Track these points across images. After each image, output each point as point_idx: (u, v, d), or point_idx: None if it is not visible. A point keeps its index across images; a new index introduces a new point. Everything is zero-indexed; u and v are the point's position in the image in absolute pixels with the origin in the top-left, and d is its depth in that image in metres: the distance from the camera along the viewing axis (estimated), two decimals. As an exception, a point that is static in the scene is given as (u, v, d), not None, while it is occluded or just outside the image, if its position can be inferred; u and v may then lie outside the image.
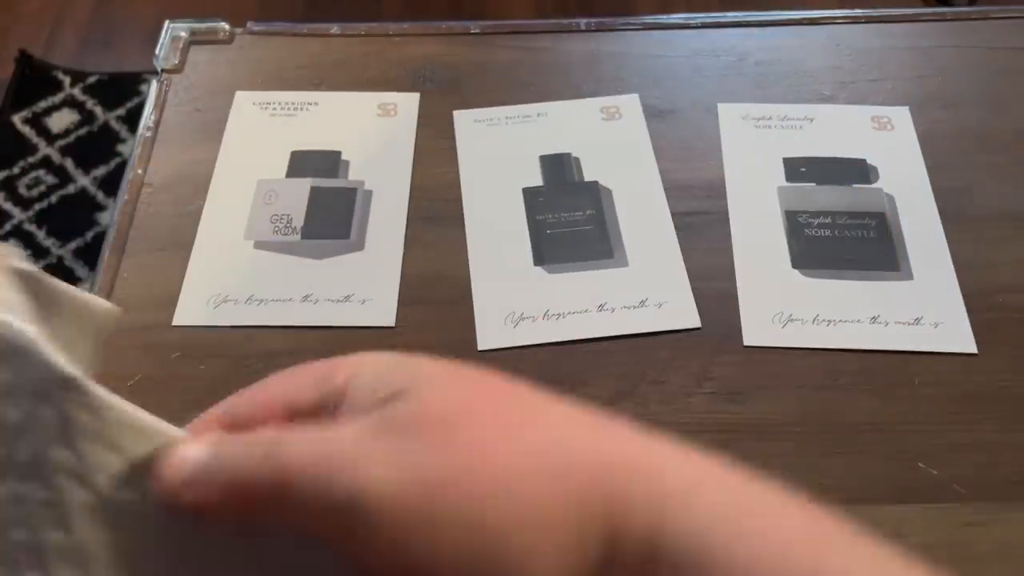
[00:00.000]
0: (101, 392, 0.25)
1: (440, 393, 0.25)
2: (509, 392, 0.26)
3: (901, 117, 0.65)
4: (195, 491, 0.24)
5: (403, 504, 0.23)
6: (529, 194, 0.61)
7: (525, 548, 0.23)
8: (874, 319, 0.55)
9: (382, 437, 0.24)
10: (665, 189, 0.61)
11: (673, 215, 0.60)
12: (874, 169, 0.62)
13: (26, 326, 0.25)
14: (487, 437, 0.24)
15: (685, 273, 0.57)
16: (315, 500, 0.23)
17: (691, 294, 0.56)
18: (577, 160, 0.63)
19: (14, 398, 0.25)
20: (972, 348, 0.53)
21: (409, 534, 0.22)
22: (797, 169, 0.62)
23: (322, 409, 0.26)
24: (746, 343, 0.54)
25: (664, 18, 0.72)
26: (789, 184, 0.61)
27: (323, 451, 0.24)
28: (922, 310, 0.55)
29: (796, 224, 0.59)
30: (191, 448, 0.25)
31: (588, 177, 0.62)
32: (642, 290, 0.56)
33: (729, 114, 0.65)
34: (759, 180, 0.62)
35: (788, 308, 0.55)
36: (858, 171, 0.62)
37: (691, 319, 0.55)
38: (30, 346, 0.24)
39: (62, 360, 0.25)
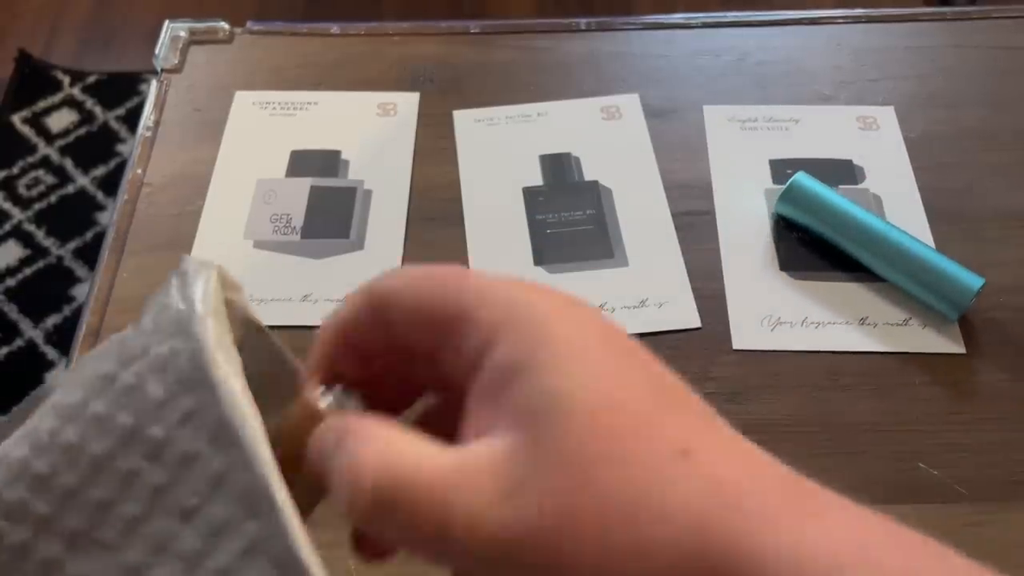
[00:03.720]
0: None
1: (582, 420, 0.22)
2: (672, 406, 0.23)
3: (886, 116, 0.65)
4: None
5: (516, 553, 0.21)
6: (529, 194, 0.61)
7: None
8: (863, 320, 0.55)
9: (521, 495, 0.21)
10: (665, 189, 0.61)
11: (673, 215, 0.60)
12: (860, 169, 0.62)
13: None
14: (626, 486, 0.21)
15: (685, 273, 0.57)
16: (413, 530, 0.22)
17: (691, 294, 0.56)
18: (577, 160, 0.63)
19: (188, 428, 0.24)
20: (960, 349, 0.53)
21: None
22: (783, 171, 0.62)
23: (438, 360, 0.25)
24: (735, 347, 0.54)
25: (664, 18, 0.72)
26: (776, 186, 0.61)
27: (441, 484, 0.22)
28: (910, 311, 0.55)
29: (784, 226, 0.59)
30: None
31: (588, 177, 0.62)
32: (642, 290, 0.56)
33: (714, 116, 0.65)
34: (746, 183, 0.61)
35: (776, 311, 0.55)
36: (845, 172, 0.62)
37: (691, 319, 0.55)
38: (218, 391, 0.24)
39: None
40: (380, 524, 0.23)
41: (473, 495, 0.22)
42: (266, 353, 0.28)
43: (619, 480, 0.21)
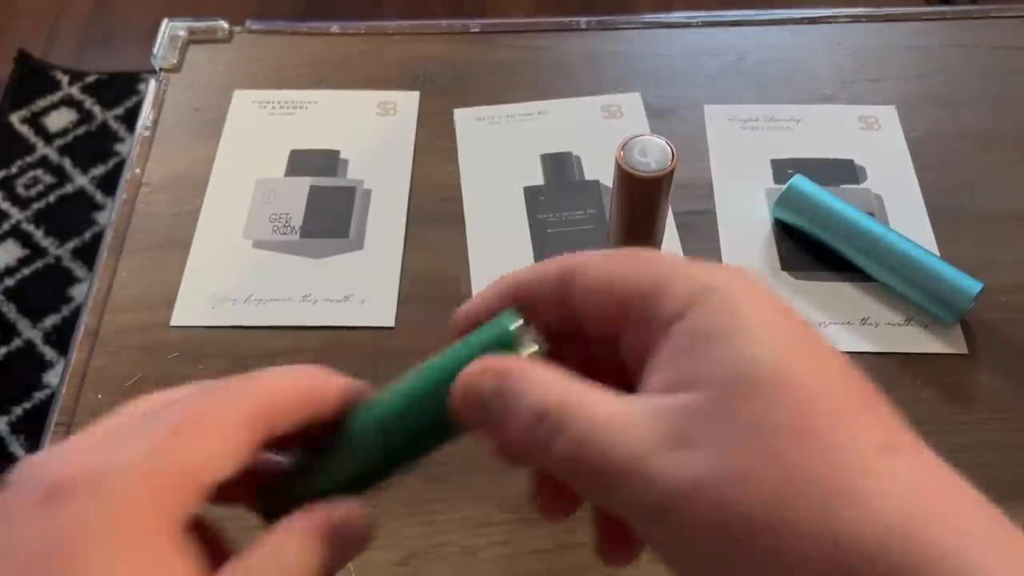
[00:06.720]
0: None
1: (770, 391, 0.21)
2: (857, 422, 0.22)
3: (888, 116, 0.64)
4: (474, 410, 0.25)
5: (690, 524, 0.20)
6: (530, 193, 0.61)
7: None
8: (864, 320, 0.55)
9: (694, 446, 0.21)
10: (666, 188, 0.61)
11: (674, 214, 0.60)
12: (862, 169, 0.62)
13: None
14: (819, 466, 0.20)
15: (686, 273, 0.57)
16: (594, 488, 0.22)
17: (692, 294, 0.56)
18: (578, 159, 0.63)
19: None
20: (962, 349, 0.53)
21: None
22: (784, 171, 0.62)
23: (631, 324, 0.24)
24: None
25: (665, 17, 0.72)
26: (777, 186, 0.61)
27: (620, 449, 0.21)
28: (911, 311, 0.55)
29: (785, 226, 0.59)
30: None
31: (589, 176, 0.62)
32: (643, 290, 0.56)
33: (715, 116, 0.65)
34: (747, 182, 0.61)
35: None
36: (846, 172, 0.62)
37: (692, 319, 0.55)
38: None
39: None
40: (544, 458, 0.22)
41: (637, 439, 0.21)
42: None
43: (812, 457, 0.20)
